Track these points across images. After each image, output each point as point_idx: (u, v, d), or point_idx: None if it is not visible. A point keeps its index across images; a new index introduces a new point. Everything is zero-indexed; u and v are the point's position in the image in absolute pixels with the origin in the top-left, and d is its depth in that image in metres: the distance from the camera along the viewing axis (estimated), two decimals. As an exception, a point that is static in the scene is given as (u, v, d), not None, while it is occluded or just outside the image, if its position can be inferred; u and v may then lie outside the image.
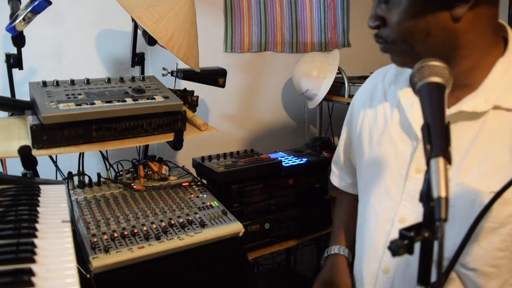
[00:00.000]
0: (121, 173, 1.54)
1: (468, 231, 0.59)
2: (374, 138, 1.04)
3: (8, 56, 1.38)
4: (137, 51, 1.63)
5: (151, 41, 1.39)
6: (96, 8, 1.82)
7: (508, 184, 0.61)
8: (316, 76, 2.02)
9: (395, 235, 0.80)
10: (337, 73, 2.01)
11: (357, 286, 1.08)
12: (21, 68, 1.40)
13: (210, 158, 1.65)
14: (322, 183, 1.74)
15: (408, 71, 0.96)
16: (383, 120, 1.02)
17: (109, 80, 1.40)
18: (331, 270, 1.13)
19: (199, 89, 1.70)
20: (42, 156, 1.16)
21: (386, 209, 0.97)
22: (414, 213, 0.93)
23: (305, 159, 1.72)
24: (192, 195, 1.44)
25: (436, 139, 0.57)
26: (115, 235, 1.17)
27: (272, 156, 1.71)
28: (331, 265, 1.14)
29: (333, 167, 1.30)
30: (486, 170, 0.83)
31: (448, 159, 0.56)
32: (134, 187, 1.43)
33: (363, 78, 2.26)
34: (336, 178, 1.29)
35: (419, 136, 0.90)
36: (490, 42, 0.83)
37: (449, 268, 0.57)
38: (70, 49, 1.79)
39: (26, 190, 0.97)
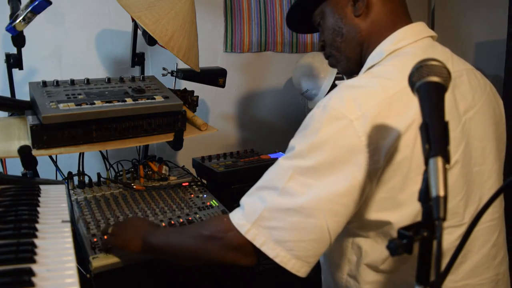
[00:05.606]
0: (121, 173, 1.54)
1: (468, 229, 0.59)
2: None
3: (8, 56, 1.38)
4: (137, 51, 1.63)
5: (151, 41, 1.39)
6: (96, 8, 1.82)
7: (508, 183, 0.61)
8: (316, 76, 2.02)
9: None
10: (337, 73, 2.01)
11: None
12: (21, 68, 1.40)
13: (210, 158, 1.65)
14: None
15: None
16: None
17: (109, 80, 1.40)
18: None
19: (199, 89, 1.70)
20: (42, 156, 1.16)
21: None
22: None
23: (305, 159, 1.72)
24: (192, 195, 1.44)
25: (435, 139, 0.57)
26: (115, 235, 1.17)
27: (272, 156, 1.71)
28: None
29: None
30: None
31: (446, 159, 0.56)
32: (134, 187, 1.44)
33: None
34: None
35: None
36: (383, 37, 0.94)
37: (448, 268, 0.57)
38: (70, 49, 1.79)
39: (26, 190, 0.97)
